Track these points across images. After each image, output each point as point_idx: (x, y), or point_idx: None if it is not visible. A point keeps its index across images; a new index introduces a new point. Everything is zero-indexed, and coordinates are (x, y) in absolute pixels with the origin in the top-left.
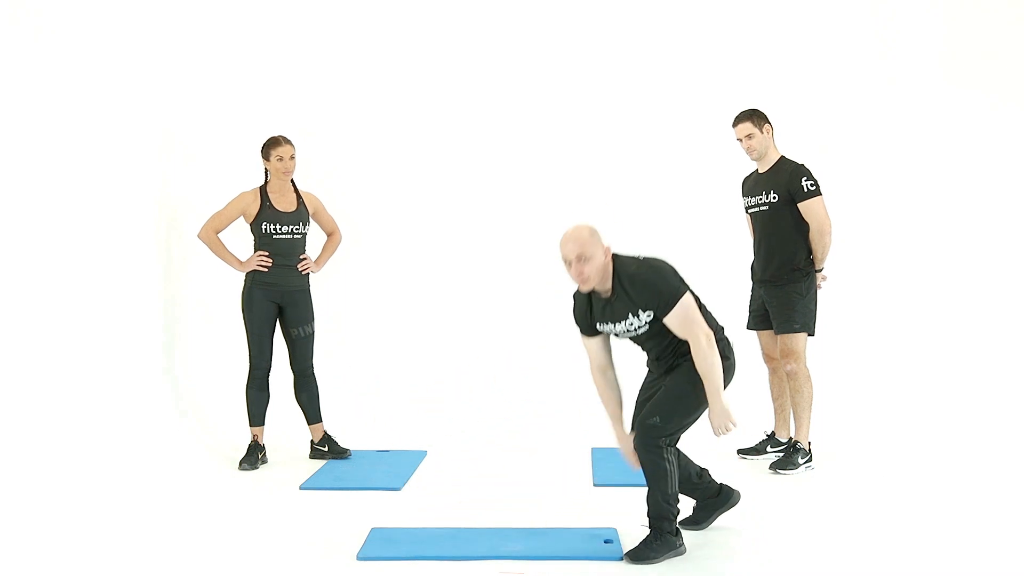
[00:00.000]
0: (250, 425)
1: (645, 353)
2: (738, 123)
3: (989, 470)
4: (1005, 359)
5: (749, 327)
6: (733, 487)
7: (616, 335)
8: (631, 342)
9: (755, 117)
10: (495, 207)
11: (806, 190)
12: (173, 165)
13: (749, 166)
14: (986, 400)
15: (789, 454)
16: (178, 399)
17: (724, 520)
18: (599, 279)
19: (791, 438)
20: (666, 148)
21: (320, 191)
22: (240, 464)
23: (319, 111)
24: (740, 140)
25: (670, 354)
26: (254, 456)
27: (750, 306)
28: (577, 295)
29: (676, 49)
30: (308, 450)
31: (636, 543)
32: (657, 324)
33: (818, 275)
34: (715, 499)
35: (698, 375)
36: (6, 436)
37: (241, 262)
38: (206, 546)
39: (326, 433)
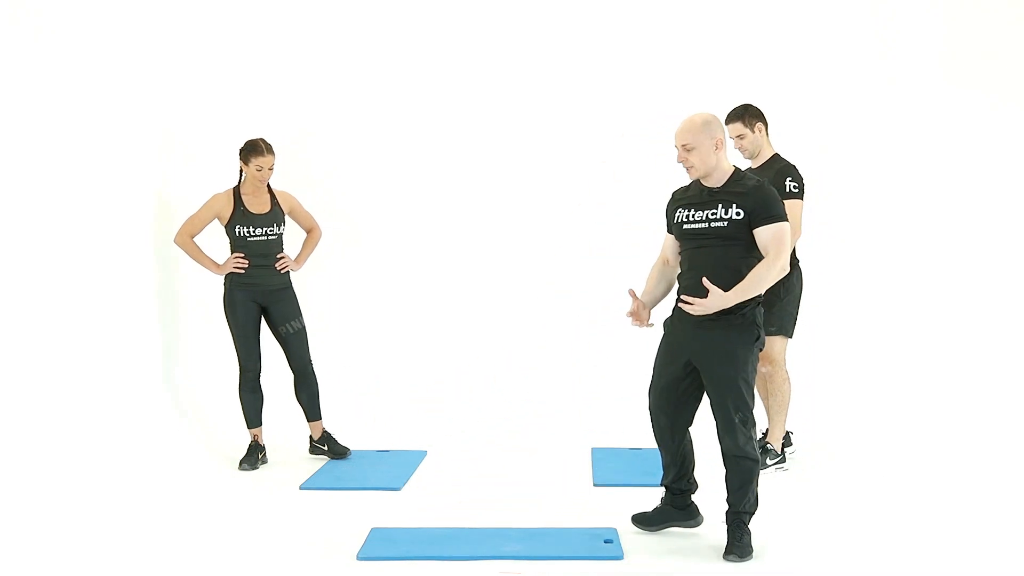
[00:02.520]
0: (248, 427)
1: (690, 273)
2: (728, 123)
3: (978, 468)
4: (1005, 360)
5: None
6: (701, 512)
7: (687, 223)
8: (691, 245)
9: (746, 116)
10: (495, 206)
11: (788, 190)
12: (173, 165)
13: (748, 166)
14: (978, 400)
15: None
16: (178, 399)
17: (719, 519)
18: (705, 169)
19: (762, 436)
20: (664, 149)
21: (320, 190)
22: (240, 464)
23: (319, 111)
24: (732, 139)
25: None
26: (254, 456)
27: None
28: (678, 189)
29: (675, 49)
30: (307, 449)
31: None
32: (737, 227)
33: None
34: (683, 510)
35: (730, 361)
36: (6, 437)
37: (218, 265)
38: (207, 546)
39: (326, 431)
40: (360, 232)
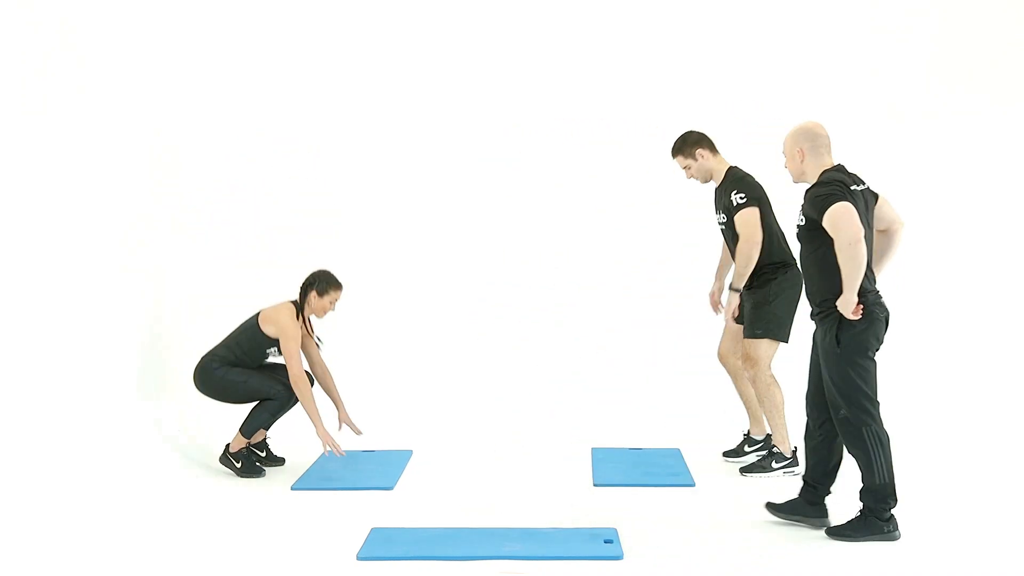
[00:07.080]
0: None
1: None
2: (673, 158)
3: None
4: (1003, 359)
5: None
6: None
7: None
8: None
9: (685, 147)
10: (484, 204)
11: (735, 203)
12: (166, 166)
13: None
14: (981, 400)
15: (764, 458)
16: (175, 399)
17: (726, 521)
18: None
19: (768, 436)
20: (659, 152)
21: (311, 190)
22: (254, 472)
23: (312, 111)
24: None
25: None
26: (256, 455)
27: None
28: None
29: (672, 52)
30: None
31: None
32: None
33: (734, 295)
34: (813, 505)
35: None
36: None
37: (323, 428)
38: (207, 549)
39: (265, 439)
40: (347, 231)
